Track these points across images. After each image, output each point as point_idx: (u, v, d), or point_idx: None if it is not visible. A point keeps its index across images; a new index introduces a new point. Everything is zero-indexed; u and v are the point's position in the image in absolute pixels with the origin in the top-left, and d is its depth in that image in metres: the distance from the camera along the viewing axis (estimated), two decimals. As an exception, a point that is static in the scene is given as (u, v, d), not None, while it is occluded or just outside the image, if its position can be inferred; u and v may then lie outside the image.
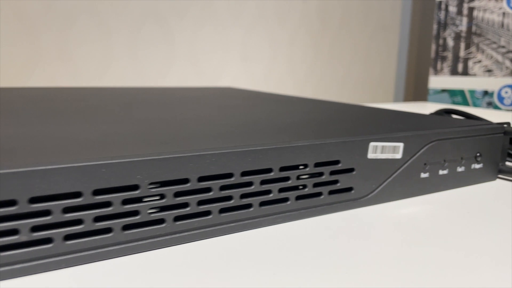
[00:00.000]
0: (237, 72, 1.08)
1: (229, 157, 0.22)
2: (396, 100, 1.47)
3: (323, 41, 1.24)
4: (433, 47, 1.29)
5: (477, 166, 0.34)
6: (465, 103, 1.25)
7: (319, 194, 0.26)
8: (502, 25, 1.19)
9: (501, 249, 0.23)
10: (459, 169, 0.33)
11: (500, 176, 0.36)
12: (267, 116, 0.35)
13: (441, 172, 0.32)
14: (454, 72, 1.27)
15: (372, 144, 0.28)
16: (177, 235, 0.21)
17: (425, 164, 0.31)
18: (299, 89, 1.20)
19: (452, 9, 1.26)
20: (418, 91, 1.48)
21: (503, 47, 1.19)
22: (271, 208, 0.24)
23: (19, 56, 0.80)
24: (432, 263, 0.21)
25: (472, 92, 1.23)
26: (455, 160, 0.32)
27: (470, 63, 1.24)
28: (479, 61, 1.22)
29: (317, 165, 0.26)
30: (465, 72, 1.25)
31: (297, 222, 0.25)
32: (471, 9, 1.23)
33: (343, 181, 0.27)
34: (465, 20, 1.25)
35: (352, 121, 0.34)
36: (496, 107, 1.19)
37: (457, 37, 1.25)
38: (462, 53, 1.24)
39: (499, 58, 1.19)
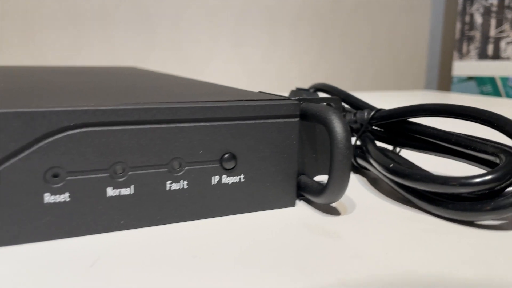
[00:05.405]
0: (227, 61, 0.92)
1: None
2: (428, 88, 1.25)
3: (335, 24, 1.05)
4: (458, 25, 1.07)
5: (229, 179, 0.17)
6: (497, 93, 1.01)
7: None
8: (544, -6, 0.94)
9: None
10: (174, 187, 0.16)
11: (311, 198, 0.19)
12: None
13: (114, 192, 0.15)
14: (483, 55, 1.04)
15: None
16: None
17: (54, 175, 0.15)
18: (305, 78, 1.02)
19: (481, -22, 1.03)
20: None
21: (545, 22, 0.94)
22: None
23: None
24: None
25: (504, 79, 1.00)
26: (154, 166, 0.16)
27: (502, 44, 1.00)
28: (514, 41, 0.98)
29: None
30: (497, 56, 1.02)
31: None
32: (504, -23, 1.00)
33: None
34: (496, -9, 1.01)
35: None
36: (534, 98, 0.95)
37: (487, 13, 1.02)
38: (492, 32, 1.01)
39: (539, 36, 0.95)
